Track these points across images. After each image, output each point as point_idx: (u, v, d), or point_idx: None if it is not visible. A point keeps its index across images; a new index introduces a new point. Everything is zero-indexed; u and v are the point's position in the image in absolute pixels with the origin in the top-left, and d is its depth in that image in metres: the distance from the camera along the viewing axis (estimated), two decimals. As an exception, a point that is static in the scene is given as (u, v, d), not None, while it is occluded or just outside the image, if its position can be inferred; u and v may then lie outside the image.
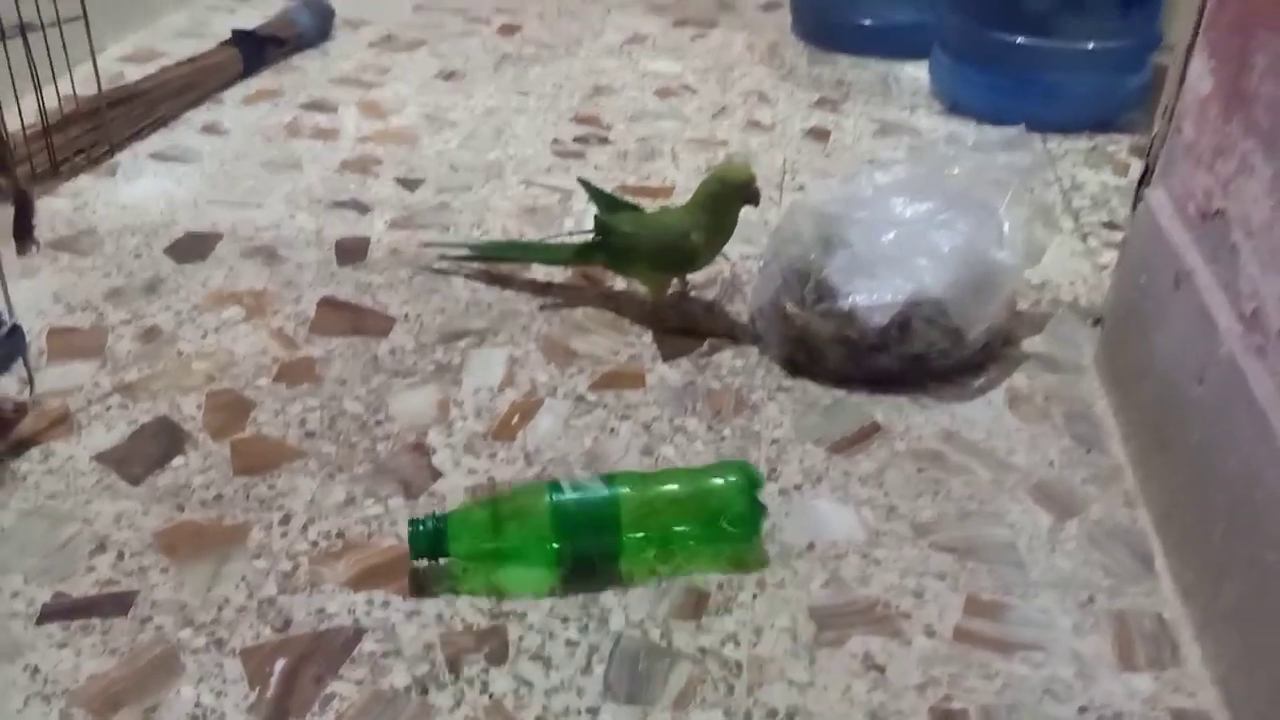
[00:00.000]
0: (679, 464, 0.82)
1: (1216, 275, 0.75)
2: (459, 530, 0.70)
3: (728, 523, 0.73)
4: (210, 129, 1.34)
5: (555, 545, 0.70)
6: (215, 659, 0.66)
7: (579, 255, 1.02)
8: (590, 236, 1.01)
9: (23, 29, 0.78)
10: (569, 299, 1.03)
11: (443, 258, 1.06)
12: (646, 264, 0.99)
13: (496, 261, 1.07)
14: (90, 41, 0.93)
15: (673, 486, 0.74)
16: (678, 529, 0.73)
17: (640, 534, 0.72)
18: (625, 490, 0.72)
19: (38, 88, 1.02)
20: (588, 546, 0.71)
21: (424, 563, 0.71)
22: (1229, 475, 0.67)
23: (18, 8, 0.89)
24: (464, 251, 1.07)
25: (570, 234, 1.08)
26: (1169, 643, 0.69)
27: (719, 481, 0.73)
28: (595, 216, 1.01)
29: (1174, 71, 0.89)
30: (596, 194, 1.07)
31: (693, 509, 0.73)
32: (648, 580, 0.71)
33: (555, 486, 0.72)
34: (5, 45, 0.78)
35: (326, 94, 1.44)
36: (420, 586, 0.71)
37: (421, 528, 0.70)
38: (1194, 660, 0.68)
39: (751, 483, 0.73)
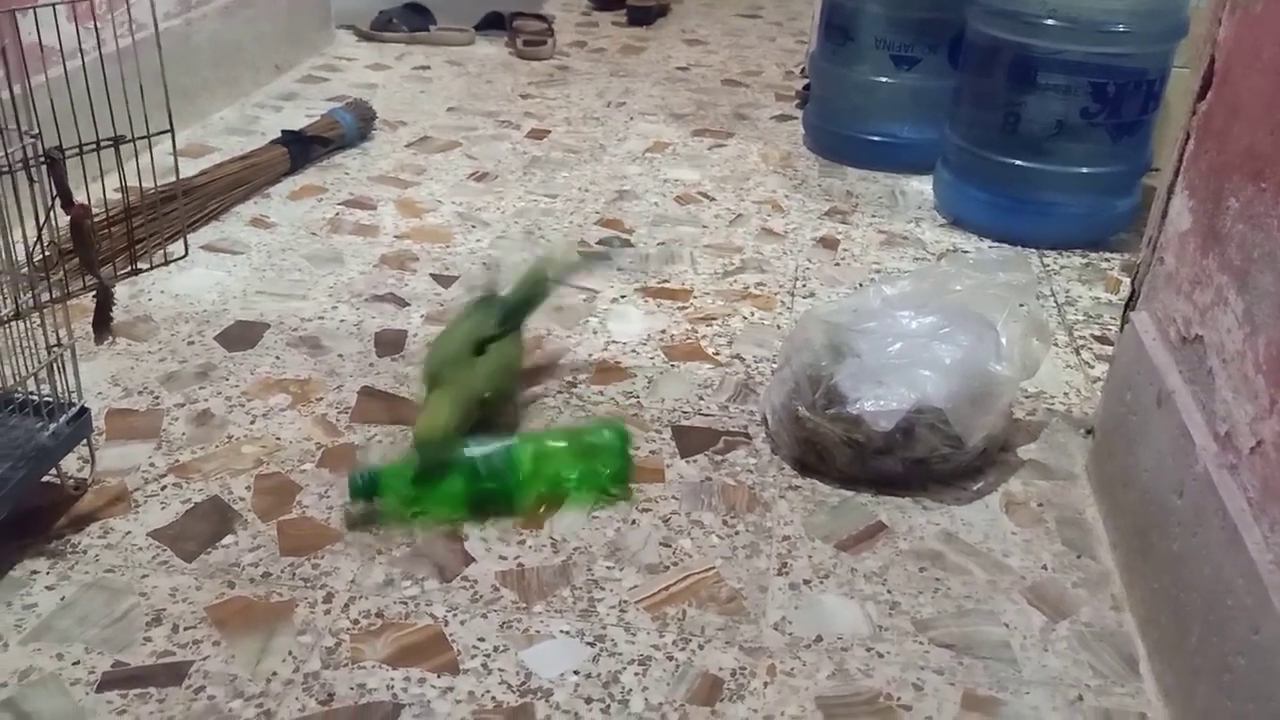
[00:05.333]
0: (695, 557, 0.88)
1: (1195, 396, 0.81)
2: (389, 481, 0.89)
3: (603, 466, 0.93)
4: (258, 222, 1.42)
5: (465, 489, 0.89)
6: (265, 729, 0.71)
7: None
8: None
9: (116, 141, 0.86)
10: (593, 396, 1.09)
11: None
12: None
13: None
14: (175, 151, 1.01)
15: (561, 442, 0.94)
16: (564, 474, 0.92)
17: (533, 478, 0.91)
18: (522, 444, 0.92)
19: (125, 192, 1.11)
20: (491, 489, 0.90)
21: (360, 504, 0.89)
22: (1203, 583, 0.72)
23: (113, 124, 0.98)
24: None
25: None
26: (1153, 741, 0.74)
27: (598, 437, 0.94)
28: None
29: (1157, 206, 0.97)
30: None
31: (578, 459, 0.93)
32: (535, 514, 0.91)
33: (464, 443, 0.90)
34: (99, 153, 0.87)
35: (367, 192, 1.54)
36: (454, 665, 0.76)
37: (360, 479, 0.88)
38: (1176, 759, 0.73)
39: (624, 440, 0.94)
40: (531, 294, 1.10)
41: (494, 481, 0.90)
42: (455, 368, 0.96)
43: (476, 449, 0.90)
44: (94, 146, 0.92)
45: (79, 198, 0.85)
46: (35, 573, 0.83)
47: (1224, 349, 0.78)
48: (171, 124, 1.07)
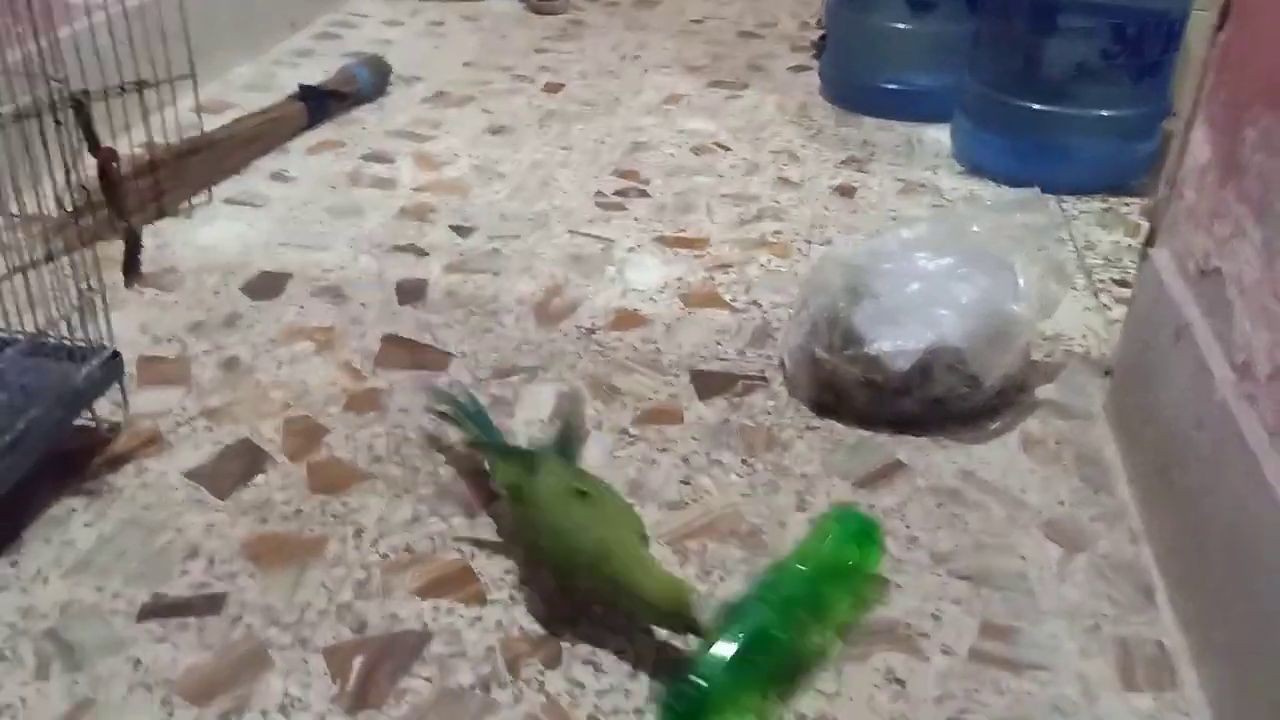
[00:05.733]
0: (715, 494, 0.89)
1: (1213, 328, 0.82)
2: (719, 696, 0.68)
3: (864, 564, 0.80)
4: (278, 176, 1.43)
5: (776, 663, 0.72)
6: (300, 655, 0.73)
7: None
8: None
9: (140, 85, 0.87)
10: (612, 341, 1.11)
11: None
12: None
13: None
14: (196, 96, 1.02)
15: (824, 561, 0.77)
16: (828, 596, 0.76)
17: (803, 625, 0.74)
18: (780, 612, 0.72)
19: (150, 145, 1.12)
20: (781, 666, 0.72)
21: None
22: (1223, 515, 0.73)
23: (136, 67, 1.00)
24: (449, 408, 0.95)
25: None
26: (1168, 668, 0.75)
27: (838, 533, 0.80)
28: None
29: (1177, 140, 0.97)
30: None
31: (830, 577, 0.77)
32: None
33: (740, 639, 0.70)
34: (123, 99, 0.88)
35: (384, 146, 1.54)
36: (480, 596, 0.78)
37: (681, 705, 0.68)
38: (1191, 684, 0.74)
39: (874, 531, 0.82)
40: (566, 431, 0.90)
41: (795, 638, 0.73)
42: (599, 522, 0.76)
43: (753, 614, 0.72)
44: (119, 90, 0.94)
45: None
46: (73, 510, 0.85)
47: (1242, 279, 0.78)
48: (193, 68, 1.07)
